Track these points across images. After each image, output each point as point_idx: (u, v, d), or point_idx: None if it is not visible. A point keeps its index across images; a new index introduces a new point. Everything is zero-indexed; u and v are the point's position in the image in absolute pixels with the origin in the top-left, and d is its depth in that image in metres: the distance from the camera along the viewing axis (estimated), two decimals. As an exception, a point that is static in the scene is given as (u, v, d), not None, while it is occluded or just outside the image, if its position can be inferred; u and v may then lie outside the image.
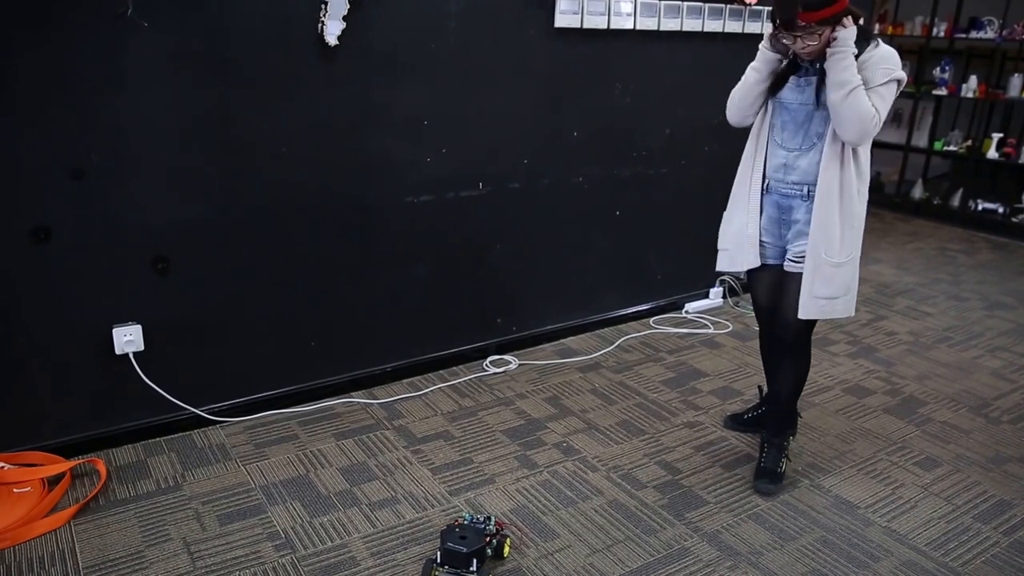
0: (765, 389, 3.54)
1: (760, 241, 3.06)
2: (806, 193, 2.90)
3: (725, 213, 3.17)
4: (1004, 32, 7.01)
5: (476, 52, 3.68)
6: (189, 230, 3.19)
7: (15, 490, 2.89)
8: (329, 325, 3.66)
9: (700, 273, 5.03)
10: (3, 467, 2.95)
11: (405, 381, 3.93)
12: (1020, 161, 7.01)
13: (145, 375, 3.23)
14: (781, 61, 2.89)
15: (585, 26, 3.94)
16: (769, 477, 3.15)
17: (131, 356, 3.18)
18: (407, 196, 3.69)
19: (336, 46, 3.26)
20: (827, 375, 4.17)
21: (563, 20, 3.87)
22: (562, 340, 4.50)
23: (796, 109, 2.89)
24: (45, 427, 3.13)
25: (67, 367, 3.10)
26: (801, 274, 2.92)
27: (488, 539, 2.61)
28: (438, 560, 2.57)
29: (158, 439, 3.34)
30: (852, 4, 2.67)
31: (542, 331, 4.44)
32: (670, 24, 4.26)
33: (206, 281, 3.29)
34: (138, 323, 3.18)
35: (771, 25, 2.78)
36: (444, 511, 2.94)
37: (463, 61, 3.66)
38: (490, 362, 4.16)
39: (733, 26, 4.51)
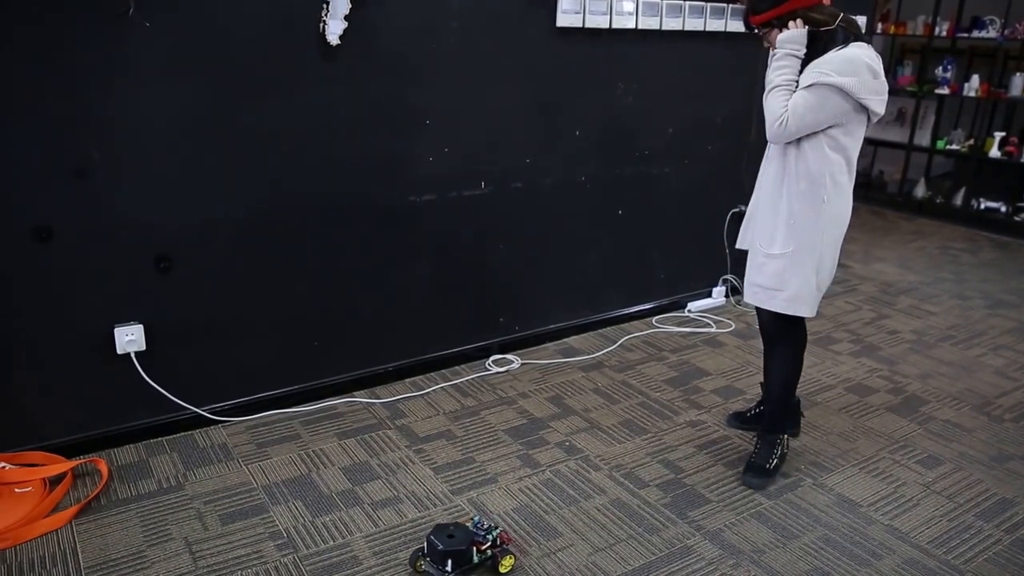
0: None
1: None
2: None
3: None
4: (1006, 32, 7.00)
5: (478, 51, 3.68)
6: (191, 229, 3.19)
7: (16, 490, 2.88)
8: (331, 324, 3.65)
9: (703, 272, 5.04)
10: (4, 467, 2.94)
11: (407, 380, 3.93)
12: (1022, 160, 7.00)
13: (147, 375, 3.23)
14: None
15: (587, 25, 3.94)
16: (755, 471, 3.18)
17: (133, 356, 3.18)
18: (409, 195, 3.69)
19: (338, 45, 3.25)
20: (830, 373, 4.16)
21: (565, 19, 3.86)
22: (565, 339, 4.50)
23: None
24: (46, 427, 3.13)
25: (68, 367, 3.10)
26: None
27: (477, 546, 2.56)
28: (424, 551, 2.58)
29: (160, 439, 3.34)
30: (815, 8, 2.77)
31: (545, 330, 4.43)
32: (672, 23, 4.25)
33: (208, 281, 3.29)
34: (140, 322, 3.18)
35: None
36: (446, 510, 2.94)
37: (465, 60, 3.65)
38: (492, 361, 4.16)
39: (735, 25, 4.50)
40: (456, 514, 2.91)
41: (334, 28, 3.22)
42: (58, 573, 2.57)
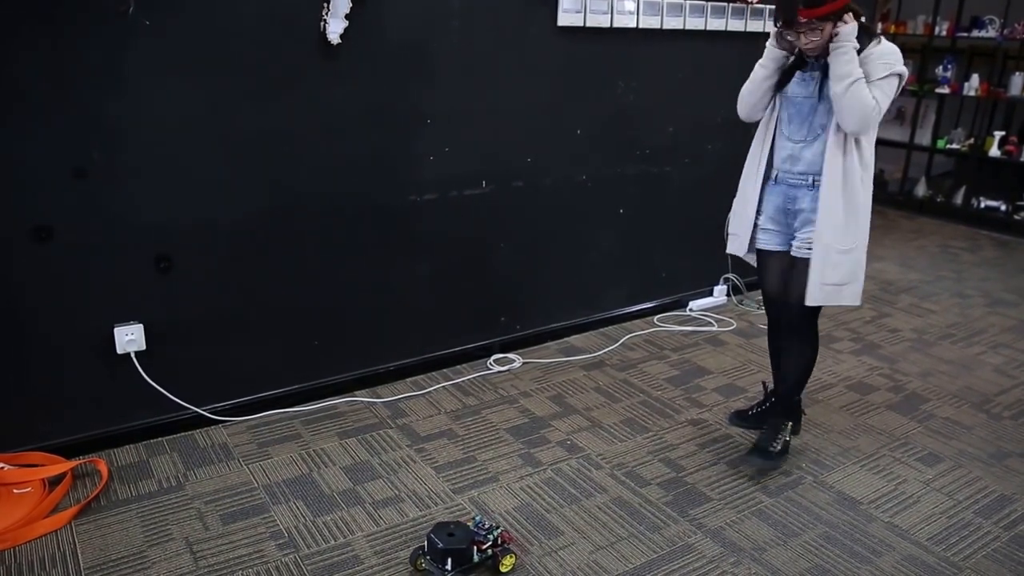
0: (770, 385, 3.55)
1: (768, 229, 3.21)
2: (811, 182, 3.03)
3: (735, 201, 3.32)
4: (1005, 31, 7.00)
5: (479, 51, 3.68)
6: (191, 229, 3.19)
7: (15, 491, 2.88)
8: (332, 324, 3.65)
9: (704, 271, 5.04)
10: (3, 468, 2.94)
11: (409, 380, 3.92)
12: (1022, 159, 7.00)
13: (147, 374, 3.22)
14: (788, 58, 3.00)
15: (588, 24, 3.94)
16: (760, 453, 3.22)
17: (133, 355, 3.18)
18: (410, 194, 3.68)
19: (338, 44, 3.25)
20: (831, 372, 4.16)
21: (566, 19, 3.87)
22: (566, 338, 4.49)
23: (801, 102, 3.02)
24: (46, 427, 3.13)
25: (68, 367, 3.10)
26: (805, 260, 3.04)
27: (478, 546, 2.55)
28: (424, 549, 2.58)
29: (160, 439, 3.33)
30: (853, 2, 2.81)
31: (546, 329, 4.43)
32: (673, 23, 4.25)
33: (208, 280, 3.29)
34: (140, 322, 3.17)
35: (775, 23, 2.92)
36: (448, 509, 2.94)
37: (466, 60, 3.65)
38: (494, 360, 4.15)
39: (735, 25, 4.51)
40: (457, 513, 2.91)
41: (335, 27, 3.22)
42: (58, 574, 2.56)
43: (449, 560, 2.50)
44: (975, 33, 7.25)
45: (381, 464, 3.22)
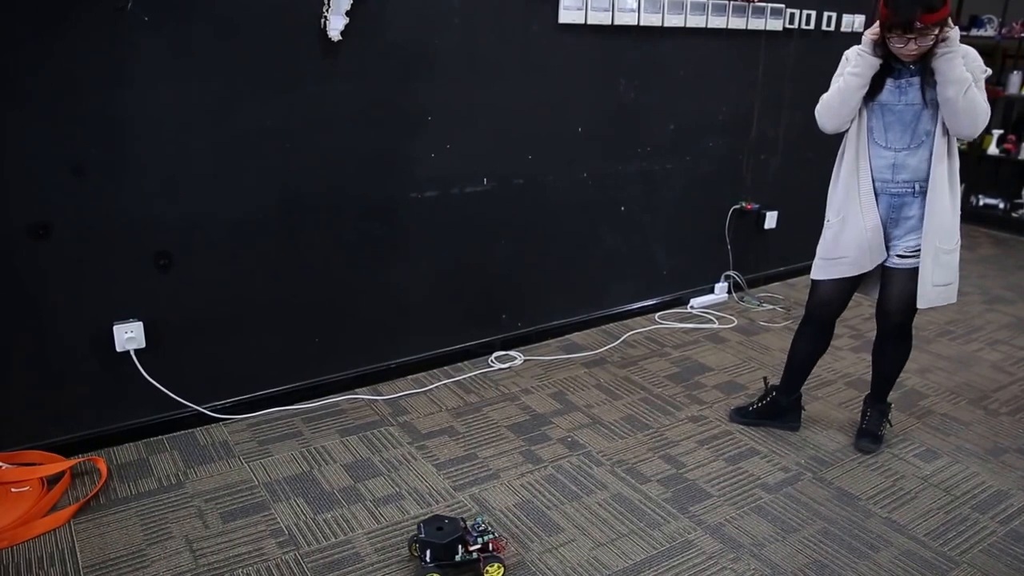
0: (772, 381, 3.60)
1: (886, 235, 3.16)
2: (917, 189, 3.01)
3: (830, 223, 3.18)
4: (1003, 30, 7.01)
5: (480, 48, 3.68)
6: (191, 226, 3.19)
7: (13, 489, 2.87)
8: (333, 321, 3.65)
9: (705, 268, 5.04)
10: (2, 466, 2.93)
11: (410, 377, 3.92)
12: (1020, 157, 7.01)
13: (146, 372, 3.22)
14: (875, 67, 2.94)
15: (589, 22, 3.94)
16: (871, 437, 3.40)
17: (132, 353, 3.18)
18: (411, 192, 3.68)
19: (339, 41, 3.25)
20: (830, 369, 4.16)
21: (567, 16, 3.87)
22: (567, 336, 4.50)
23: (902, 110, 2.96)
24: (44, 425, 3.12)
25: (67, 365, 3.10)
26: (907, 269, 3.08)
27: (463, 546, 2.51)
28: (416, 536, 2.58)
29: (160, 437, 3.33)
30: None
31: (547, 327, 4.43)
32: (674, 20, 4.25)
33: (208, 277, 3.29)
34: (139, 320, 3.17)
35: (877, 29, 2.86)
36: (448, 506, 2.94)
37: (467, 57, 3.65)
38: (495, 358, 4.16)
39: (737, 23, 4.51)
40: (458, 510, 2.91)
41: (335, 24, 3.22)
42: (56, 573, 2.56)
43: (428, 552, 2.48)
44: (974, 32, 7.25)
45: (382, 461, 3.22)
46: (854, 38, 5.07)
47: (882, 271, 3.17)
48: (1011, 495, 3.11)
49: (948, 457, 3.37)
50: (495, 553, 2.56)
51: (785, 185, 5.23)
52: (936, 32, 2.73)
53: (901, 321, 3.21)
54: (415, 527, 2.65)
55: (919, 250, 3.04)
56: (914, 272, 3.06)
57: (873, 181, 3.06)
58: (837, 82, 3.03)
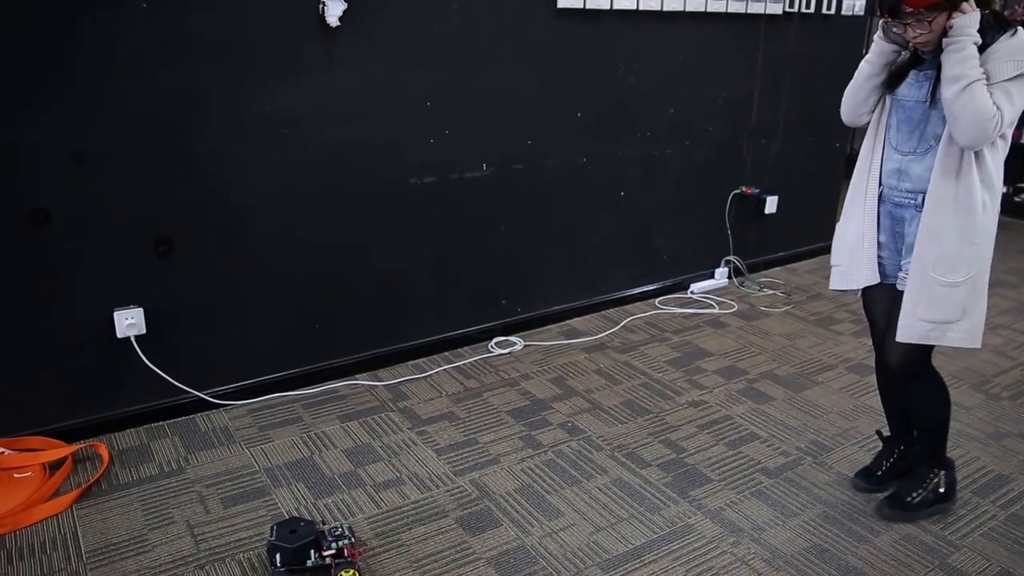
0: (885, 431, 3.11)
1: (878, 256, 2.72)
2: (920, 203, 2.55)
3: (838, 225, 2.83)
4: (1007, 13, 6.98)
5: (479, 33, 3.66)
6: (191, 212, 3.19)
7: (16, 475, 2.89)
8: (333, 307, 3.65)
9: (705, 253, 5.03)
10: (3, 452, 2.95)
11: (410, 363, 3.93)
12: (1022, 142, 6.98)
13: (147, 359, 3.22)
14: (898, 52, 2.55)
15: (588, 6, 3.92)
16: (892, 503, 2.88)
17: (133, 340, 3.18)
18: (411, 178, 3.68)
19: (337, 27, 3.24)
20: (831, 353, 4.16)
21: (566, 0, 3.84)
22: (567, 321, 4.50)
23: (911, 107, 2.55)
24: (46, 411, 3.13)
25: (68, 351, 3.10)
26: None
27: (316, 550, 2.45)
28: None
29: (161, 423, 3.34)
30: None
31: (547, 312, 4.43)
32: (673, 4, 4.23)
33: (208, 264, 3.29)
34: (140, 306, 3.17)
35: (878, 12, 2.46)
36: (449, 491, 2.94)
37: (466, 42, 3.64)
38: (495, 343, 4.16)
39: (736, 6, 4.48)
40: (458, 495, 2.92)
41: (334, 10, 3.20)
42: (59, 557, 2.57)
43: (278, 556, 2.42)
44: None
45: (382, 447, 3.23)
46: (855, 22, 5.05)
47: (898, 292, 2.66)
48: (1012, 479, 3.11)
49: (949, 441, 3.35)
50: (350, 559, 2.47)
51: (786, 170, 5.21)
52: (938, 18, 2.32)
53: (901, 354, 2.69)
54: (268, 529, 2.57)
55: None
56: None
57: (883, 185, 2.66)
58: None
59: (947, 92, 2.34)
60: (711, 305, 4.79)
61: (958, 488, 2.98)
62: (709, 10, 4.39)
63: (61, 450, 3.03)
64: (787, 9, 4.76)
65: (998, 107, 2.29)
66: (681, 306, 4.77)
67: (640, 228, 4.67)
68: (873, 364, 3.07)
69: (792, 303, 4.84)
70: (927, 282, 2.53)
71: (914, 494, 2.86)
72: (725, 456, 3.22)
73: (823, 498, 2.95)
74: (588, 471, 3.10)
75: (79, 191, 2.94)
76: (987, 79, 2.31)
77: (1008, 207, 7.08)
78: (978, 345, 2.59)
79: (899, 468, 3.00)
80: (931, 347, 2.68)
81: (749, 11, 4.55)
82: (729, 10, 4.47)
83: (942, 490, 2.87)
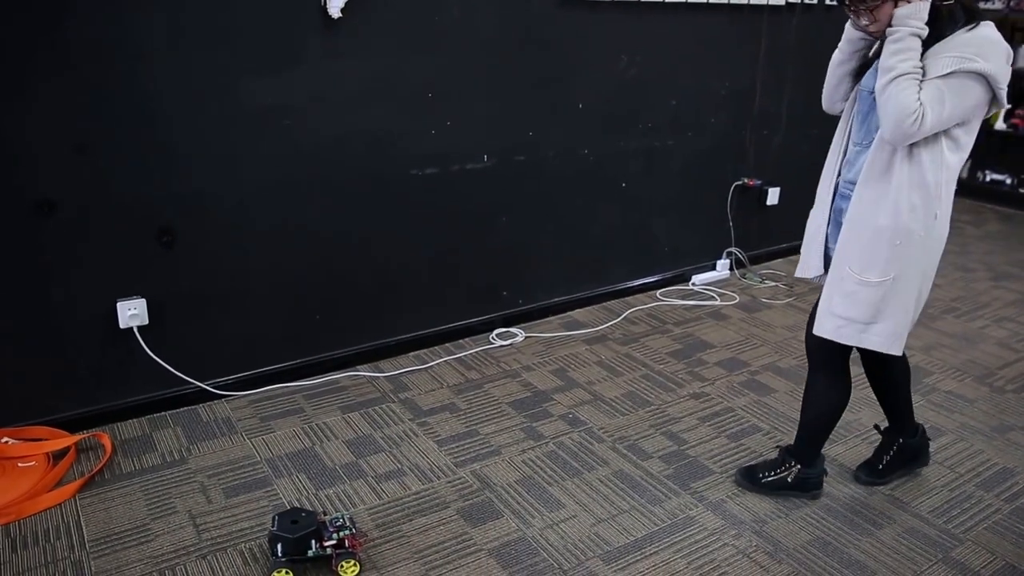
0: (883, 424, 3.10)
1: (826, 247, 2.70)
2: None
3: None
4: (1012, 3, 6.94)
5: (480, 24, 3.65)
6: (193, 203, 3.19)
7: (20, 464, 2.90)
8: (334, 298, 3.65)
9: (707, 245, 5.02)
10: (8, 441, 2.96)
11: (411, 354, 3.93)
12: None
13: (150, 349, 3.23)
14: (867, 41, 2.51)
15: (589, -4, 3.92)
16: (745, 474, 2.97)
17: (135, 330, 3.19)
18: (412, 169, 3.67)
19: (339, 18, 3.23)
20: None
21: (567, -10, 3.84)
22: (569, 312, 4.49)
23: (865, 97, 2.51)
24: (50, 402, 3.14)
25: (71, 341, 3.11)
26: None
27: (318, 541, 2.44)
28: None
29: (163, 413, 3.35)
30: None
31: (548, 304, 4.43)
32: (675, -7, 4.22)
33: (211, 254, 3.29)
34: (142, 297, 3.18)
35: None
36: (450, 482, 2.95)
37: (467, 33, 3.63)
38: (496, 335, 4.16)
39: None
40: (459, 486, 2.92)
41: (336, 1, 3.19)
42: (62, 546, 2.58)
43: (279, 546, 2.42)
44: (982, 5, 7.19)
45: (383, 438, 3.23)
46: (859, 12, 5.03)
47: None
48: (1016, 473, 3.11)
49: (953, 435, 3.36)
50: (351, 550, 2.47)
51: (788, 161, 5.20)
52: (883, 8, 2.28)
53: (814, 345, 2.72)
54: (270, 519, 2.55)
55: None
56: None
57: (839, 176, 2.63)
58: None
59: (877, 84, 2.32)
60: (713, 297, 4.79)
61: (966, 482, 2.99)
62: (712, 1, 4.37)
63: (65, 440, 3.04)
64: (790, 0, 4.75)
65: (922, 104, 2.23)
66: (683, 298, 4.77)
67: (641, 219, 4.66)
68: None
69: (794, 295, 4.83)
70: (843, 276, 2.52)
71: (767, 473, 2.93)
72: (727, 448, 3.22)
73: (825, 490, 2.95)
74: (589, 463, 3.10)
75: (83, 182, 2.94)
76: (923, 74, 2.27)
77: (1014, 199, 7.07)
78: (898, 352, 2.57)
79: (900, 460, 3.02)
80: (844, 348, 2.68)
81: (752, 2, 4.53)
82: (732, 1, 4.45)
83: (790, 480, 2.90)
